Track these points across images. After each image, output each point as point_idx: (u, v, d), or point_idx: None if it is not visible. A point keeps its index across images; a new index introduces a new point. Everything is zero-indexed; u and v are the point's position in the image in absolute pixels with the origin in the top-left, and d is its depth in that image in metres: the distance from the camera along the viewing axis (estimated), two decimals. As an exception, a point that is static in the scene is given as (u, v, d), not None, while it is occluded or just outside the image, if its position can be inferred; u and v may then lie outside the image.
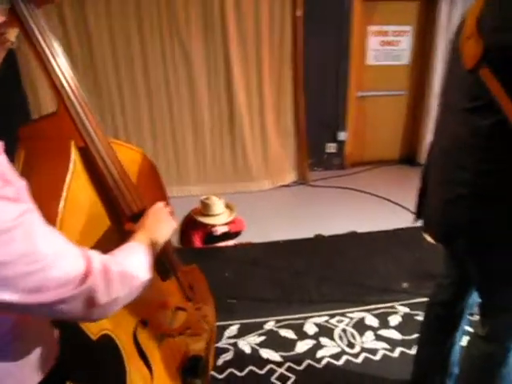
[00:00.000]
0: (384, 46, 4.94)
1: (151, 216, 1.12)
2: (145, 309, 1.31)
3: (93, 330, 1.04)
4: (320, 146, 5.18)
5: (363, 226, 3.73)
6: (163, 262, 1.29)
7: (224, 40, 4.27)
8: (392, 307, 2.68)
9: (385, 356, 2.29)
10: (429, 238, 3.14)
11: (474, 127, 1.28)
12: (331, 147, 5.22)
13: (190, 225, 3.41)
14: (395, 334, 2.45)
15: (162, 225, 1.12)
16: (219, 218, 3.40)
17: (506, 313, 1.47)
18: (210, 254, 3.31)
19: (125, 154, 1.18)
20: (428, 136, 5.09)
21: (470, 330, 1.67)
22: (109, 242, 1.03)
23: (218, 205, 3.39)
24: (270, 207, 4.37)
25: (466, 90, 1.31)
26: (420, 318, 2.50)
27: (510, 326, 1.48)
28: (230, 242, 3.48)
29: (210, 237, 3.40)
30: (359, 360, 2.27)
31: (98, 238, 1.07)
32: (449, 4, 4.59)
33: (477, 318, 1.59)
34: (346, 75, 4.86)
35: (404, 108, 5.33)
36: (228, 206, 3.49)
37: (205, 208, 3.38)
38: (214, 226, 3.38)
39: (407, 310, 2.66)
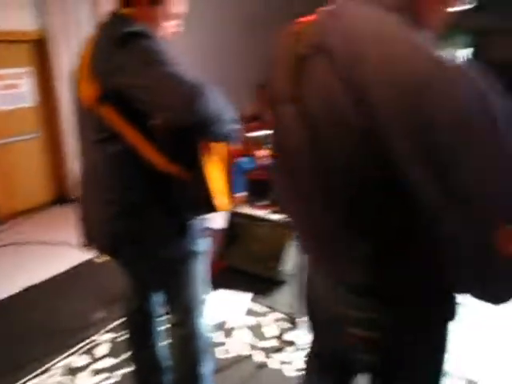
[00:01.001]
0: (5, 90, 4.74)
1: None
2: None
3: None
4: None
5: (39, 276, 3.59)
6: None
7: None
8: (96, 340, 2.72)
9: (107, 385, 2.35)
10: (100, 259, 3.33)
11: (106, 155, 1.51)
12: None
13: None
14: (108, 361, 2.51)
15: None
16: None
17: (183, 297, 1.76)
18: None
19: None
20: (73, 171, 5.20)
21: (166, 325, 1.92)
22: None
23: None
24: None
25: (93, 125, 1.51)
26: (125, 337, 2.65)
27: (190, 307, 1.76)
28: None
29: None
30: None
31: None
32: (60, 46, 4.79)
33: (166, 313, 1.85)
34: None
35: (42, 149, 5.24)
36: None
37: None
38: None
39: (111, 335, 2.75)
